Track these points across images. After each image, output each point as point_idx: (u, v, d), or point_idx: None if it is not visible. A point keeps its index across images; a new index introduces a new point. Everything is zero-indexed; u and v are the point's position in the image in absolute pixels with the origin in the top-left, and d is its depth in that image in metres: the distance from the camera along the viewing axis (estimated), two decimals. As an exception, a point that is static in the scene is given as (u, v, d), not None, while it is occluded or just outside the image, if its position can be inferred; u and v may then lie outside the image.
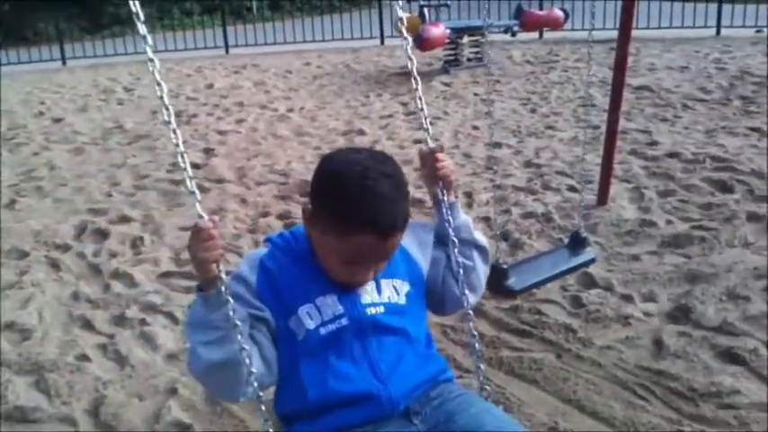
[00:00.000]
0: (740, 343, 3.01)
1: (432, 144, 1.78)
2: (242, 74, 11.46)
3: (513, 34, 10.86)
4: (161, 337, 3.39)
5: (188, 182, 1.46)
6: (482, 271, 1.83)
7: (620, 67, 4.33)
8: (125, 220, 4.98)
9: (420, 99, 1.77)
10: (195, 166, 6.21)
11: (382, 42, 14.22)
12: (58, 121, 8.59)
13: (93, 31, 19.12)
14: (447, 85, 9.38)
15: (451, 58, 10.35)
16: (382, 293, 1.65)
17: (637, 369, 2.93)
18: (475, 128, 7.00)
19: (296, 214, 4.89)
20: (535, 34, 12.94)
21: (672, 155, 5.61)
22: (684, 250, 3.95)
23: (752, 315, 3.21)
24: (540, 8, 12.53)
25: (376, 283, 1.65)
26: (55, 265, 4.31)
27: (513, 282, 3.06)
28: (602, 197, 4.63)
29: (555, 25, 10.80)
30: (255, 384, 1.46)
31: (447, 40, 9.81)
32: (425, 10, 10.87)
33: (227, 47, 14.73)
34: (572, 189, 5.01)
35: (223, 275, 1.44)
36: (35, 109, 9.39)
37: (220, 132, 7.45)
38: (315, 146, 6.72)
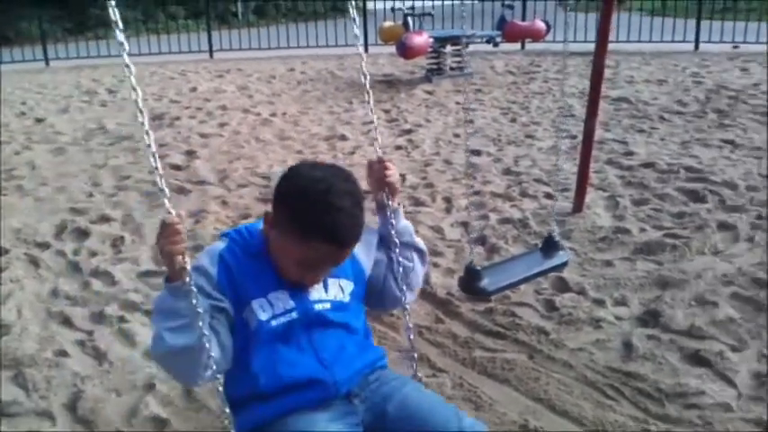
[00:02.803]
0: (707, 346, 3.10)
1: (380, 153, 1.92)
2: (225, 78, 11.50)
3: (496, 44, 10.99)
4: (140, 334, 3.42)
5: (158, 180, 1.59)
6: (420, 271, 2.03)
7: (596, 76, 4.42)
8: (106, 219, 5.00)
9: (371, 111, 1.94)
10: (177, 167, 6.25)
11: (366, 50, 14.31)
12: (39, 121, 8.57)
13: (77, 32, 19.06)
14: (429, 93, 9.47)
15: (434, 66, 10.45)
16: (329, 291, 1.83)
17: (606, 370, 3.00)
18: (456, 135, 7.09)
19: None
20: (517, 45, 13.07)
21: (647, 165, 5.72)
22: (656, 257, 4.04)
23: (719, 320, 3.30)
24: (523, 19, 12.68)
25: (323, 281, 1.83)
26: (34, 263, 4.32)
27: (486, 283, 3.13)
28: (578, 204, 4.72)
29: (537, 36, 10.94)
30: (214, 368, 1.60)
31: (430, 49, 9.91)
32: (409, 19, 10.98)
33: (211, 51, 14.75)
34: (549, 196, 5.09)
35: (188, 267, 1.57)
36: (17, 109, 9.36)
37: (203, 135, 7.47)
38: (297, 150, 6.77)
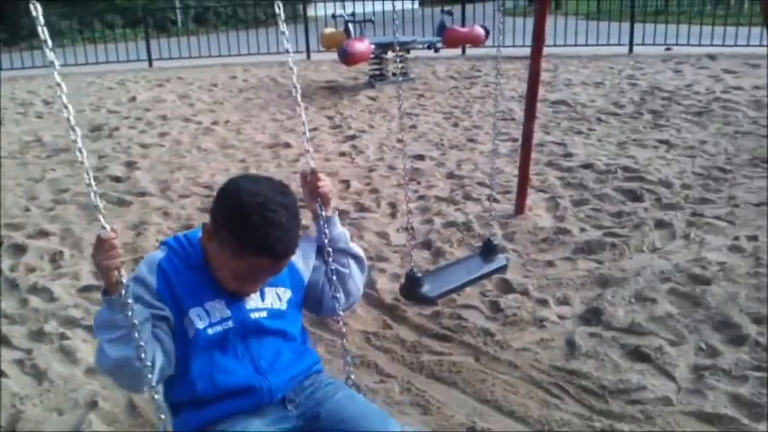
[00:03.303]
0: (647, 342, 3.18)
1: (312, 165, 1.97)
2: (165, 87, 11.34)
3: (437, 50, 11.09)
4: (81, 351, 3.35)
5: (92, 196, 1.57)
6: (358, 277, 2.06)
7: (533, 80, 4.51)
8: (43, 234, 4.87)
9: (303, 124, 2.05)
10: (117, 179, 6.14)
11: (308, 57, 14.27)
12: (-29, 134, 8.32)
13: (10, 42, 18.53)
14: (372, 99, 9.51)
15: (377, 72, 10.50)
16: (265, 300, 1.87)
17: (551, 369, 3.05)
18: (399, 140, 7.12)
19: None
20: (458, 50, 13.20)
21: (586, 166, 5.85)
22: (596, 256, 4.13)
23: (658, 316, 3.39)
24: (463, 25, 12.81)
25: (260, 290, 1.86)
26: (-32, 281, 4.19)
27: (426, 289, 3.16)
28: (520, 206, 4.80)
29: (476, 42, 11.05)
30: (150, 376, 1.61)
31: (371, 55, 9.94)
32: (350, 25, 11.01)
33: (150, 60, 14.51)
34: (492, 199, 5.16)
35: (124, 280, 1.59)
36: (-53, 122, 9.07)
37: (143, 146, 7.36)
38: (240, 159, 6.72)
